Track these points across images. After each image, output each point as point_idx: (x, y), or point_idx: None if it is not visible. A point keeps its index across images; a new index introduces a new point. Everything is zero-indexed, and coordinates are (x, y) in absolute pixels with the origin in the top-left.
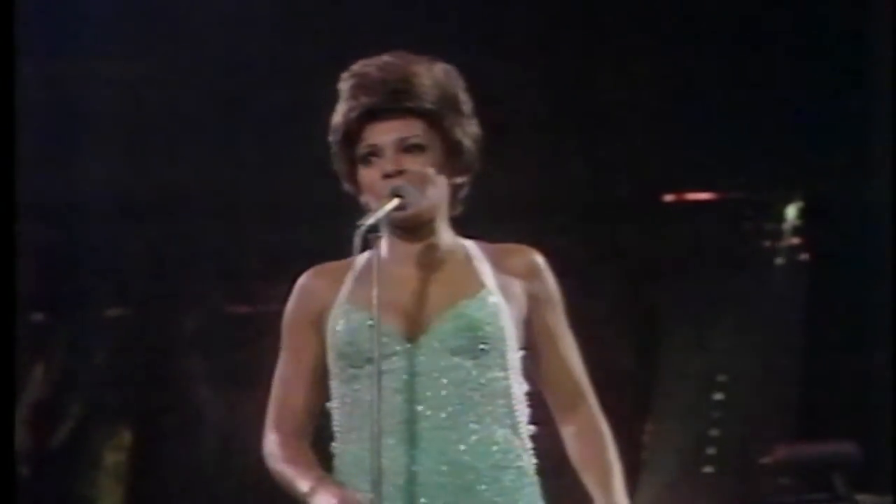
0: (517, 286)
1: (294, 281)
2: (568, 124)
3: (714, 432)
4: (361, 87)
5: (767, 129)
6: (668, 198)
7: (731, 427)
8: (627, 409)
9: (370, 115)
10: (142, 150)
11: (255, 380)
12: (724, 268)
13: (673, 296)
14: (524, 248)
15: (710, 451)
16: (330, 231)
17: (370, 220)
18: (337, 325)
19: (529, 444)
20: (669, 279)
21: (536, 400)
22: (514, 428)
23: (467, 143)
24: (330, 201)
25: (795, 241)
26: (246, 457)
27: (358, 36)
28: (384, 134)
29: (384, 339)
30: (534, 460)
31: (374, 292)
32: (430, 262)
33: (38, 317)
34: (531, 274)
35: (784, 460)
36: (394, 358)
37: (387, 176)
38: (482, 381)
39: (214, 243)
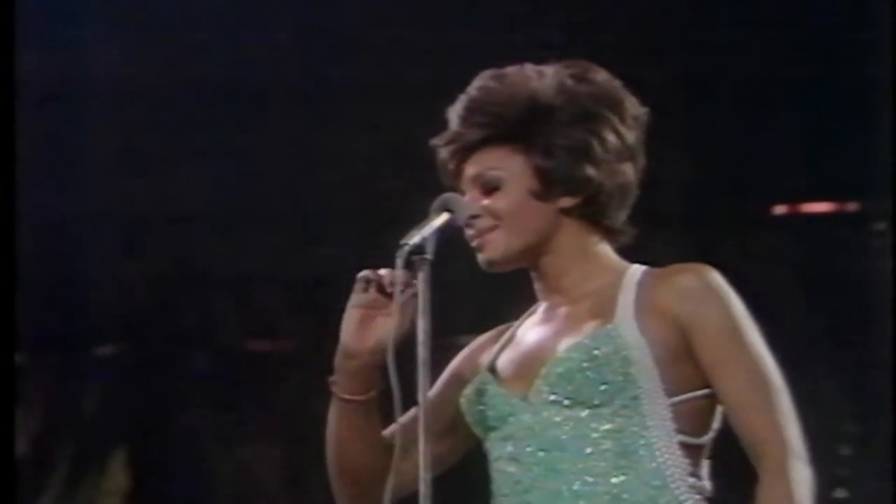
0: (666, 316)
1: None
2: (666, 132)
3: (840, 493)
4: (443, 131)
5: (878, 132)
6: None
7: (861, 487)
8: (736, 465)
9: (457, 160)
10: (145, 167)
11: (276, 429)
12: (828, 290)
13: (781, 323)
14: (687, 267)
15: None
16: (364, 252)
17: (414, 239)
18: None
19: (690, 501)
20: (770, 302)
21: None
22: (661, 486)
23: (553, 164)
24: (358, 221)
25: None
26: None
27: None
28: (468, 170)
29: (498, 401)
30: None
31: (420, 325)
32: (561, 305)
33: (26, 356)
34: (686, 298)
35: None
36: (507, 422)
37: (466, 225)
38: (601, 434)
39: (227, 268)
